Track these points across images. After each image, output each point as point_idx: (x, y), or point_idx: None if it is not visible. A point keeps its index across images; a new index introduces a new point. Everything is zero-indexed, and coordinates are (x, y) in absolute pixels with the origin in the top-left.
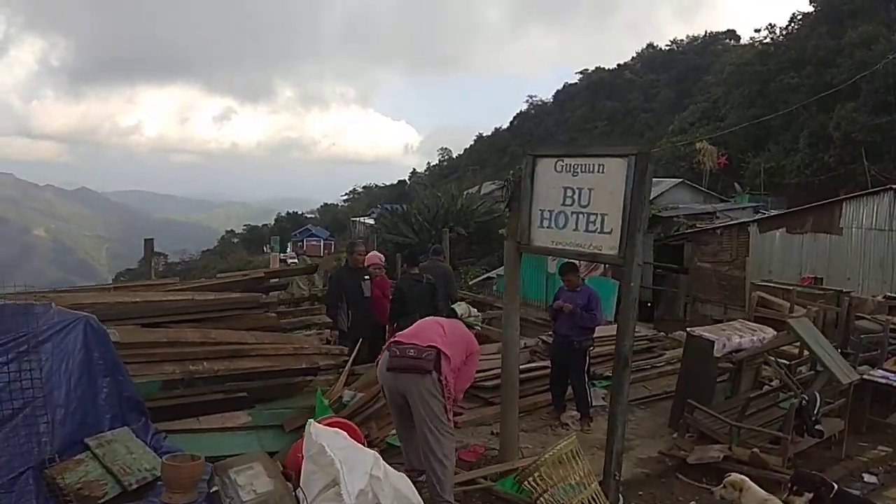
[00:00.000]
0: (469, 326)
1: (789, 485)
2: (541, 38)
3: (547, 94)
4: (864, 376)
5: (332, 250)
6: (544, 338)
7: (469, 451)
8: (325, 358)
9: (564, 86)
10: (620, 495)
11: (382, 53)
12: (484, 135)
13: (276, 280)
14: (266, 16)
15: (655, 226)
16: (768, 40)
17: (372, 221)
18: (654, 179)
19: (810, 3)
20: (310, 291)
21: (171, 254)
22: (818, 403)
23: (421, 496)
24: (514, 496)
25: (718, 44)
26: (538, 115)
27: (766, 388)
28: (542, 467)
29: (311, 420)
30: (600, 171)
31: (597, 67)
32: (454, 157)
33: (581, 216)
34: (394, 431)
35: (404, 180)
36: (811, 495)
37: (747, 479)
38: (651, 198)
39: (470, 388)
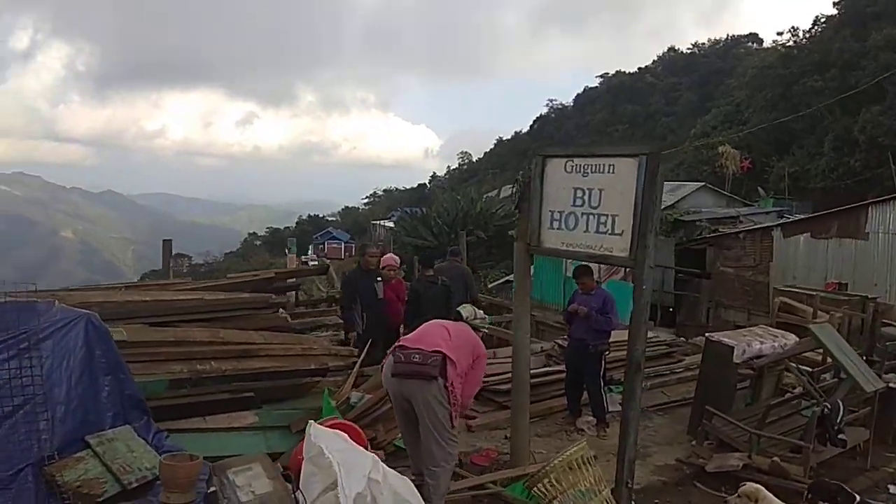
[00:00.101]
0: (475, 329)
1: (806, 493)
2: (561, 42)
3: (567, 98)
4: (891, 384)
5: (353, 253)
6: (560, 341)
7: (482, 455)
8: (334, 359)
9: (585, 89)
10: (633, 502)
11: (403, 58)
12: (504, 138)
13: (293, 280)
14: (288, 22)
15: (678, 230)
16: (791, 43)
17: (392, 224)
18: (676, 183)
19: (834, 5)
20: (328, 293)
21: (195, 255)
22: (841, 412)
23: None
24: (523, 502)
25: (741, 47)
26: (558, 118)
27: (787, 395)
28: (552, 473)
29: (312, 422)
30: (611, 171)
31: (617, 71)
32: (474, 160)
33: (591, 217)
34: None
35: (424, 184)
36: None
37: (763, 488)
38: (673, 202)
39: (484, 392)
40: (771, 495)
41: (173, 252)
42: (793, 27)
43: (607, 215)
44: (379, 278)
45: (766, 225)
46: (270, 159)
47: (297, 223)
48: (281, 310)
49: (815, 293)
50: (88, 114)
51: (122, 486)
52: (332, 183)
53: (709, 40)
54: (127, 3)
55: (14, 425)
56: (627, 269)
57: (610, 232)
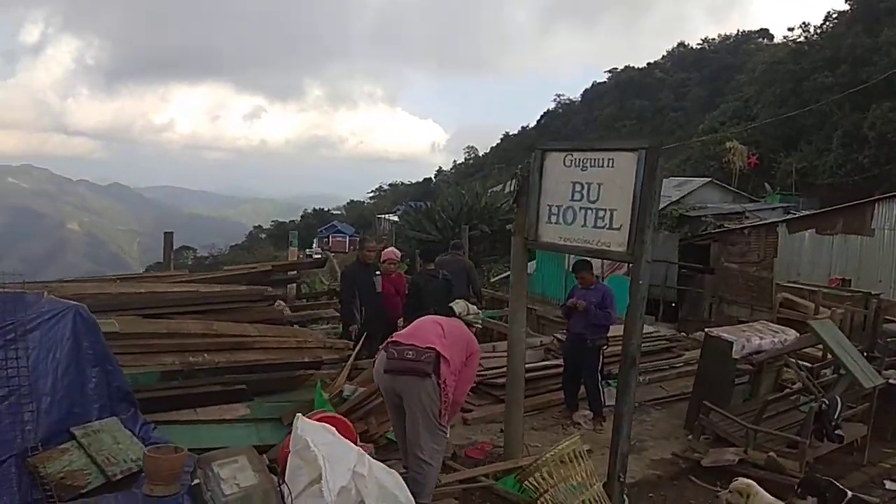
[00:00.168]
0: (468, 325)
1: (796, 488)
2: (570, 37)
3: (575, 93)
4: (891, 380)
5: (358, 247)
6: (559, 335)
7: (476, 448)
8: (329, 352)
9: (593, 84)
10: (625, 497)
11: (411, 53)
12: (511, 133)
13: (293, 273)
14: (296, 16)
15: (683, 225)
16: (802, 39)
17: (396, 219)
18: (682, 179)
19: (846, 1)
20: (329, 286)
21: (200, 248)
22: (839, 408)
23: None
24: (514, 496)
25: (751, 43)
26: (566, 113)
27: (786, 391)
28: (544, 467)
29: (299, 415)
30: (610, 165)
31: (626, 66)
32: (480, 155)
33: (590, 212)
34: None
35: (430, 178)
36: (815, 500)
37: (754, 484)
38: (679, 197)
39: (481, 385)
40: (762, 490)
41: (179, 245)
42: (804, 23)
43: (605, 210)
44: (378, 272)
45: (770, 221)
46: (277, 153)
47: (301, 217)
48: (281, 302)
49: (817, 289)
50: (97, 107)
51: (106, 478)
52: (338, 177)
53: (719, 36)
54: None
55: None
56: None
57: (608, 227)
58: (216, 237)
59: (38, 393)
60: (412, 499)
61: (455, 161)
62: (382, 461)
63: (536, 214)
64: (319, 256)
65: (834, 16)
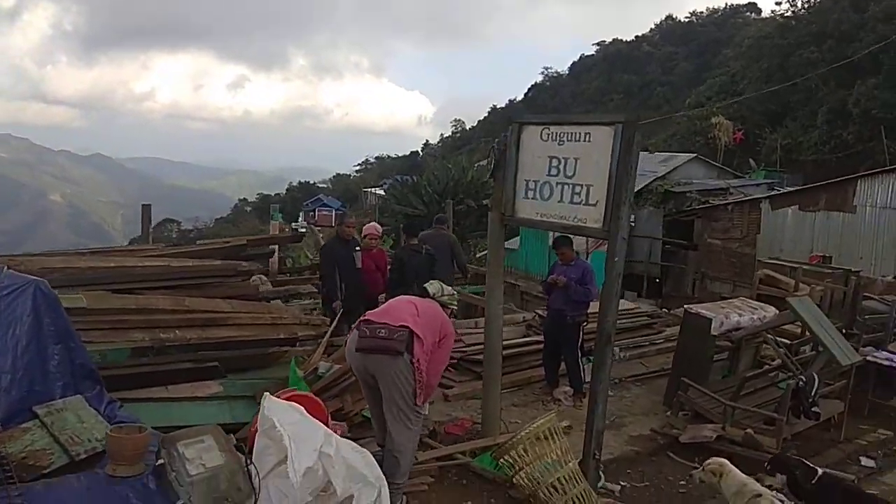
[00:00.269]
0: (443, 306)
1: (766, 466)
2: (557, 8)
3: (563, 66)
4: (868, 358)
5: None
6: (540, 312)
7: (456, 424)
8: (304, 328)
9: (581, 57)
10: (601, 474)
11: (397, 23)
12: (498, 106)
13: (274, 246)
14: None
15: (667, 201)
16: (790, 13)
17: (383, 192)
18: (667, 154)
19: None
20: (313, 261)
21: (184, 221)
22: (816, 385)
23: None
24: (490, 473)
25: (739, 17)
26: (553, 86)
27: (765, 367)
28: (519, 445)
29: (267, 393)
30: (586, 139)
31: (614, 39)
32: (468, 128)
33: (566, 187)
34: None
35: (417, 151)
36: (784, 477)
37: (727, 463)
38: (664, 173)
39: (462, 361)
40: (735, 469)
41: (162, 217)
42: None
43: (582, 185)
44: (358, 248)
45: (754, 197)
46: (261, 124)
47: (287, 190)
48: (262, 277)
49: (797, 266)
50: (76, 75)
51: (70, 458)
52: (324, 149)
53: (707, 9)
54: None
55: None
56: None
57: (584, 202)
58: (200, 210)
59: None
60: (383, 477)
61: (442, 134)
62: (357, 439)
63: (513, 189)
64: (305, 230)
65: None
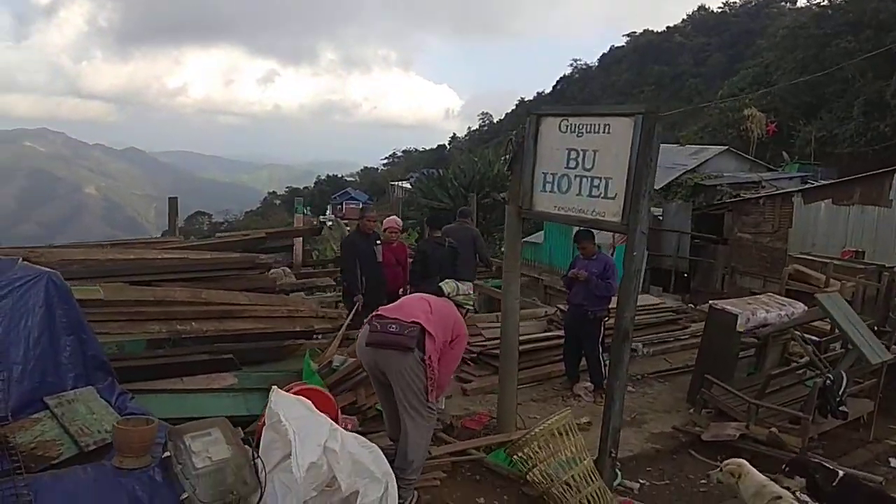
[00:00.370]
0: (458, 306)
1: (784, 468)
2: (588, 0)
3: (592, 58)
4: None
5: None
6: (562, 306)
7: (473, 419)
8: (321, 321)
9: (611, 49)
10: (618, 472)
11: (425, 16)
12: (526, 99)
13: (298, 238)
14: None
15: (698, 195)
16: (826, 2)
17: (409, 186)
18: (698, 147)
19: None
20: (338, 254)
21: (214, 213)
22: (844, 383)
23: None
24: (504, 469)
25: (773, 6)
26: (582, 79)
27: (792, 365)
28: (534, 441)
29: (275, 387)
30: (606, 131)
31: (645, 30)
32: (495, 122)
33: (585, 180)
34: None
35: (444, 145)
36: (803, 480)
37: (746, 464)
38: (695, 166)
39: (482, 356)
40: (754, 470)
41: (194, 210)
42: None
43: (601, 178)
44: (378, 241)
45: (785, 190)
46: (291, 118)
47: (315, 183)
48: (286, 269)
49: (828, 261)
50: (111, 70)
51: (79, 449)
52: (352, 143)
53: None
54: None
55: None
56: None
57: (603, 195)
58: (231, 203)
59: (8, 362)
60: (391, 473)
61: (469, 127)
62: (370, 433)
63: (531, 182)
64: (331, 223)
65: None
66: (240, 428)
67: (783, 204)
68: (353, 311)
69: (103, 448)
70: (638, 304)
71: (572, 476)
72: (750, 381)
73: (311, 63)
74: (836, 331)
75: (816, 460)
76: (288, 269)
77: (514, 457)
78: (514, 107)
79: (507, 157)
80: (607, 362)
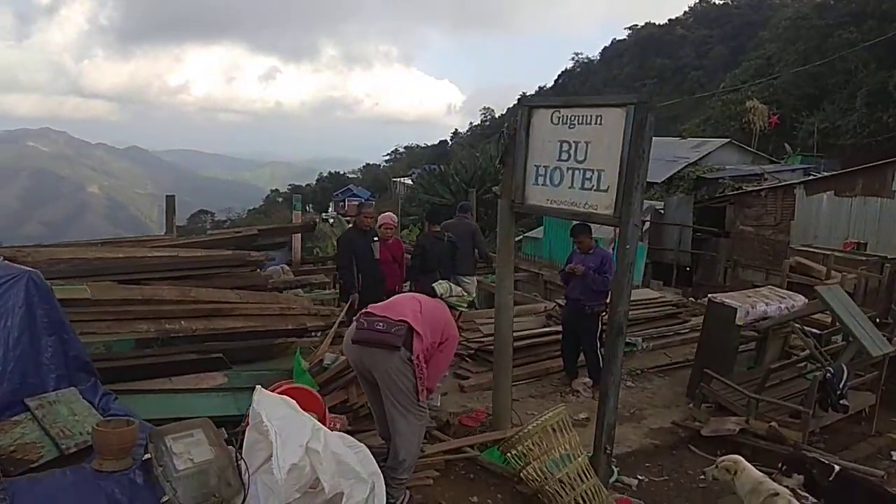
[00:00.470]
0: (451, 307)
1: (781, 465)
2: None
3: (594, 52)
4: None
5: (374, 211)
6: (560, 301)
7: (470, 416)
8: (313, 319)
9: (612, 42)
10: (614, 468)
11: (426, 11)
12: (528, 94)
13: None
14: None
15: (700, 187)
16: None
17: (411, 182)
18: (700, 139)
19: None
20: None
21: (217, 212)
22: (845, 376)
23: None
24: (498, 467)
25: None
26: (584, 73)
27: (793, 358)
28: (526, 439)
29: (259, 387)
30: (598, 122)
31: (647, 23)
32: (497, 116)
33: (577, 172)
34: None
35: (446, 140)
36: (801, 477)
37: (742, 460)
38: (697, 159)
39: (479, 352)
40: (750, 466)
41: (197, 209)
42: None
43: (593, 170)
44: (376, 238)
45: (787, 182)
46: (293, 115)
47: (317, 180)
48: (285, 266)
49: (829, 253)
50: (112, 69)
51: (60, 451)
52: (354, 139)
53: None
54: None
55: None
56: (644, 228)
57: (595, 188)
58: (234, 201)
59: None
60: (379, 473)
61: (471, 123)
62: (362, 432)
63: (523, 175)
64: (332, 220)
65: None
66: (223, 428)
67: (785, 196)
68: (347, 308)
69: (85, 450)
70: (637, 298)
71: (566, 473)
72: (750, 374)
73: (313, 59)
74: (837, 323)
75: (812, 455)
76: (286, 267)
77: (508, 454)
78: (515, 101)
79: (500, 150)
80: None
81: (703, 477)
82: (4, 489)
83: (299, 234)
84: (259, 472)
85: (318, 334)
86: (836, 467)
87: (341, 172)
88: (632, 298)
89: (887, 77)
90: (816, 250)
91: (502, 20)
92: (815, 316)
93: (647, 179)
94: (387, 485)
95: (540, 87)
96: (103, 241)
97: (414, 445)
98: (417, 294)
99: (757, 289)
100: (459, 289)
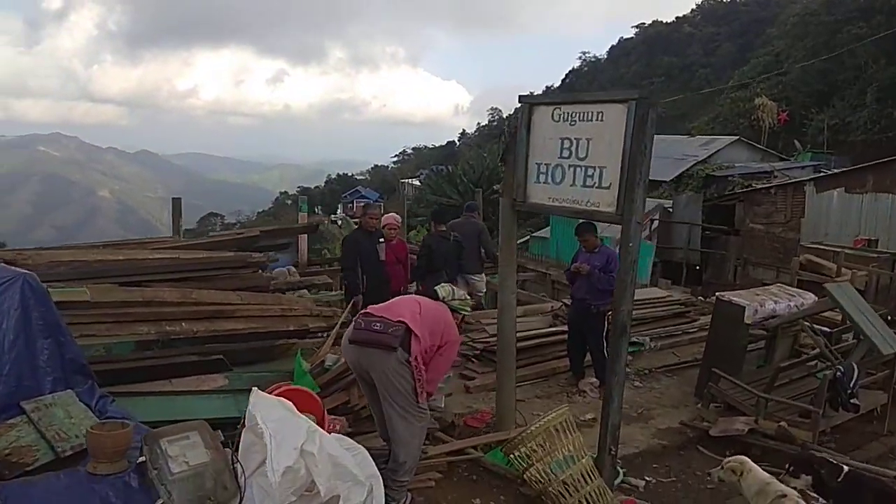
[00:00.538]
0: (453, 311)
1: (788, 466)
2: None
3: (601, 50)
4: None
5: (381, 212)
6: (567, 301)
7: (476, 417)
8: (315, 320)
9: (619, 41)
10: (620, 469)
11: (432, 12)
12: (534, 94)
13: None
14: None
15: (709, 185)
16: None
17: (419, 183)
18: (708, 137)
19: None
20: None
21: (227, 214)
22: (856, 375)
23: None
24: (502, 468)
25: None
26: (591, 72)
27: (803, 357)
28: (529, 440)
29: (255, 388)
30: (599, 119)
31: (654, 21)
32: (504, 117)
33: (579, 170)
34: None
35: (453, 141)
36: (809, 478)
37: (748, 461)
38: (706, 156)
39: (485, 352)
40: (757, 467)
41: (206, 212)
42: None
43: (594, 167)
44: (382, 239)
45: (797, 180)
46: (301, 118)
47: (326, 182)
48: (291, 268)
49: (840, 250)
50: (121, 73)
51: (55, 454)
52: (363, 141)
53: None
54: None
55: None
56: (653, 227)
57: (597, 185)
58: (243, 203)
59: None
60: (377, 475)
61: (479, 123)
62: (363, 434)
63: (524, 173)
64: (340, 222)
65: None
66: (219, 431)
67: (795, 193)
68: (349, 308)
69: (81, 453)
70: (645, 297)
71: (570, 475)
72: (759, 374)
73: (320, 62)
74: (847, 321)
75: (820, 455)
76: (293, 269)
77: (511, 456)
78: None
79: (501, 148)
80: None
81: (709, 478)
82: None
83: (306, 236)
84: (255, 476)
85: (326, 335)
86: (846, 468)
87: (350, 174)
88: (639, 298)
89: None
90: (827, 248)
91: (509, 20)
92: (826, 314)
93: (656, 178)
94: (387, 487)
95: (547, 87)
96: (104, 243)
97: (413, 447)
98: (419, 296)
99: (766, 287)
100: (462, 292)
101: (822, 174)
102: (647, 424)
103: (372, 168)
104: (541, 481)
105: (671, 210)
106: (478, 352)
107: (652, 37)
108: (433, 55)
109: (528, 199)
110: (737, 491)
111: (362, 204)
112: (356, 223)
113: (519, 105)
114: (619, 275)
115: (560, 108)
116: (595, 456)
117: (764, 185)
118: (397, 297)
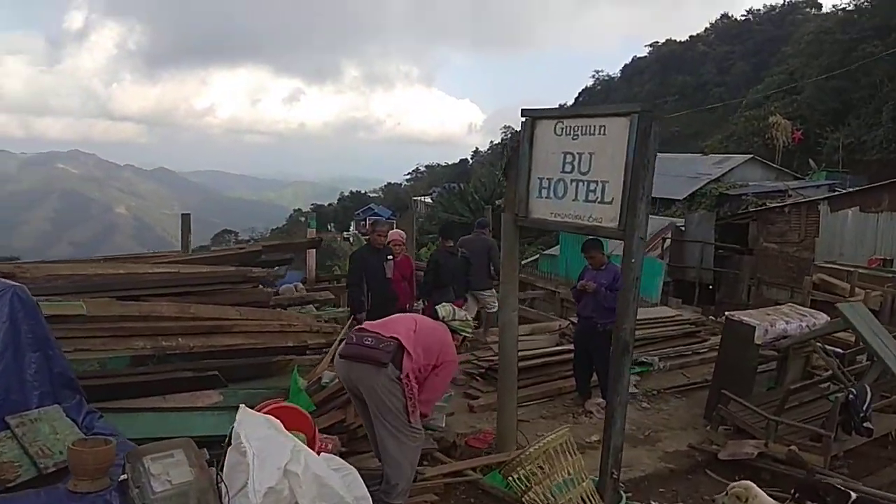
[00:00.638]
0: (454, 332)
1: (793, 492)
2: (610, 11)
3: (614, 69)
4: None
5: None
6: (573, 319)
7: (478, 437)
8: (314, 336)
9: (633, 59)
10: (623, 493)
11: (446, 31)
12: None
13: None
14: None
15: (722, 204)
16: (851, 7)
17: (431, 200)
18: (723, 156)
19: None
20: None
21: (241, 231)
22: (868, 398)
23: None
24: (500, 491)
25: (798, 13)
26: (605, 90)
27: (815, 379)
28: (528, 462)
29: (242, 405)
30: (601, 133)
31: (667, 40)
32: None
33: (581, 184)
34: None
35: (466, 159)
36: None
37: (754, 486)
38: (719, 175)
39: (489, 371)
40: (762, 493)
41: (221, 229)
42: None
43: (597, 182)
44: (389, 256)
45: (811, 199)
46: (316, 136)
47: (339, 199)
48: (299, 284)
49: (853, 269)
50: (140, 92)
51: (38, 471)
52: (376, 159)
53: (764, 6)
54: None
55: None
56: (665, 246)
57: (599, 200)
58: (257, 220)
59: None
60: (367, 497)
61: (492, 141)
62: (358, 453)
63: (527, 188)
64: (352, 240)
65: None
66: (205, 449)
67: (809, 212)
68: (349, 325)
69: (64, 470)
70: (654, 316)
71: (570, 498)
72: (769, 396)
73: (335, 81)
74: (860, 342)
75: (826, 482)
76: (301, 285)
77: (510, 478)
78: None
79: (503, 162)
80: None
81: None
82: None
83: (314, 252)
84: (239, 496)
85: (325, 351)
86: (853, 494)
87: (363, 192)
88: (648, 317)
89: None
90: (840, 267)
91: (523, 39)
92: (839, 335)
93: (669, 196)
94: None
95: (561, 105)
96: (106, 257)
97: (406, 468)
98: (419, 315)
99: (777, 306)
100: (464, 313)
101: (836, 193)
102: (655, 447)
103: (385, 186)
104: None
105: (684, 229)
106: (482, 370)
107: (666, 55)
108: (447, 74)
109: (531, 214)
110: None
111: (372, 221)
112: (366, 240)
113: (522, 119)
114: (622, 291)
115: (562, 122)
116: (597, 479)
117: (778, 204)
118: (395, 315)
